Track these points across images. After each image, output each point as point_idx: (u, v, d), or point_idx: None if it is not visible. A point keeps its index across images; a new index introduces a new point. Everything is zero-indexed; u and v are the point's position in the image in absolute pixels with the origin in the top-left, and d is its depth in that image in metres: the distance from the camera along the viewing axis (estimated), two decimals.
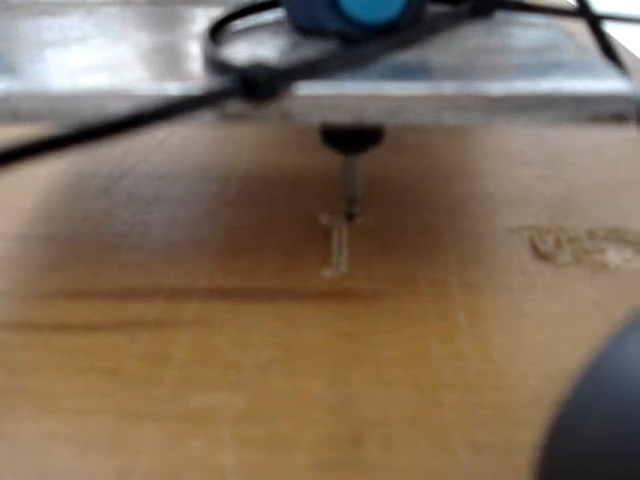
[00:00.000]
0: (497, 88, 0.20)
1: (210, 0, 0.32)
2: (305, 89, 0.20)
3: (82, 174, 0.32)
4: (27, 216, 0.29)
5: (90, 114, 0.20)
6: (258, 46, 0.25)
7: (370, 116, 0.20)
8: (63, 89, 0.21)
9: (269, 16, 0.28)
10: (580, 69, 0.22)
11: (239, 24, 0.27)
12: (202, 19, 0.29)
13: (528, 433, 0.18)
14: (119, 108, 0.20)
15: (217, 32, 0.25)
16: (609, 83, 0.20)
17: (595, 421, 0.12)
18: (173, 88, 0.20)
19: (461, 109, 0.20)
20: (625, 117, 0.20)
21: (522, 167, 0.33)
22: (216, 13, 0.30)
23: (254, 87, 0.18)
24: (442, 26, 0.24)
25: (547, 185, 0.31)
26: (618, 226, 0.28)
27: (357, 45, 0.21)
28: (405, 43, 0.22)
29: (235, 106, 0.19)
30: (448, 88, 0.20)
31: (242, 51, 0.24)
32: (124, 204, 0.30)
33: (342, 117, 0.20)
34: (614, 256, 0.26)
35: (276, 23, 0.27)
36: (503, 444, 0.18)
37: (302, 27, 0.26)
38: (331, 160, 0.28)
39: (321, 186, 0.31)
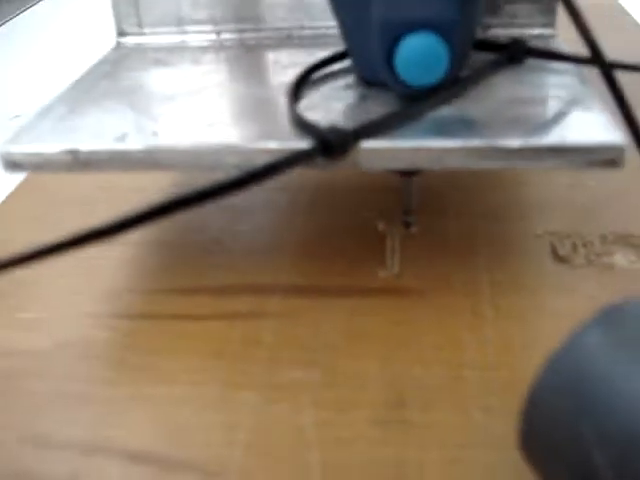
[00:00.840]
0: (514, 142, 0.26)
1: (289, 40, 0.38)
2: (369, 144, 0.26)
3: (181, 189, 0.39)
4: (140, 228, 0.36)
5: (210, 165, 0.27)
6: (331, 101, 0.31)
7: (419, 164, 0.27)
8: (190, 144, 0.27)
9: (341, 65, 0.34)
10: (583, 120, 0.27)
11: (316, 75, 0.33)
12: (286, 68, 0.34)
13: None
14: (232, 161, 0.27)
15: (299, 88, 0.31)
16: (603, 135, 0.26)
17: (556, 395, 0.18)
18: (272, 145, 0.27)
19: (486, 158, 0.26)
20: (616, 163, 0.26)
21: (552, 175, 0.38)
22: (297, 58, 0.36)
23: (331, 148, 0.25)
24: (479, 79, 0.30)
25: (572, 193, 0.37)
26: (626, 232, 0.33)
27: (408, 105, 0.27)
28: (447, 100, 0.28)
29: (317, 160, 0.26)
30: (476, 142, 0.26)
31: (319, 104, 0.30)
32: (217, 214, 0.36)
33: (398, 165, 0.27)
34: (621, 258, 0.31)
35: (347, 72, 0.33)
36: (510, 409, 0.24)
37: (367, 80, 0.32)
38: (388, 176, 0.33)
39: (379, 197, 0.37)
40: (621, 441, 0.16)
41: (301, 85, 0.31)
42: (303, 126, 0.27)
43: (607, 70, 0.29)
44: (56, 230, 0.36)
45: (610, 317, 0.19)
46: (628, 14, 0.65)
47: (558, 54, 0.32)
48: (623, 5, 0.68)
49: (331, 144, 0.25)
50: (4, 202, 0.40)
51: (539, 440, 0.19)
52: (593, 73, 0.29)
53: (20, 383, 0.27)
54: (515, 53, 0.32)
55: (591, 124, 0.27)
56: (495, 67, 0.31)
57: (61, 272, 0.33)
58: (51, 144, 0.28)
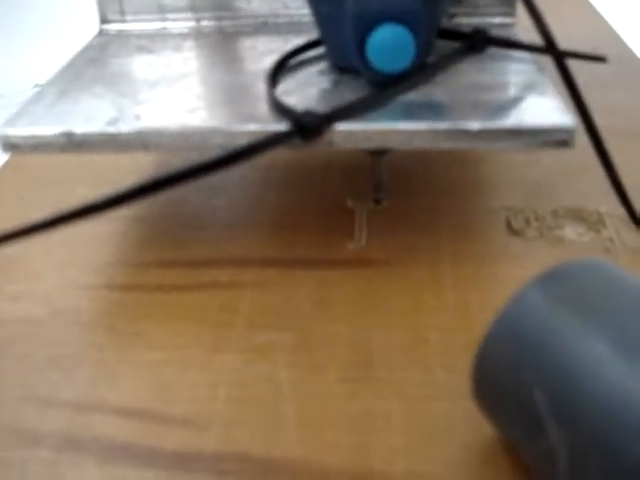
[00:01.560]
0: (475, 124, 0.28)
1: (266, 28, 0.40)
2: (343, 126, 0.29)
3: (159, 167, 0.41)
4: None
5: (196, 145, 0.29)
6: (306, 86, 0.33)
7: (388, 144, 0.29)
8: (177, 127, 0.29)
9: (316, 52, 0.36)
10: (537, 105, 0.30)
11: (292, 61, 0.35)
12: (263, 54, 0.36)
13: None
14: (215, 142, 0.29)
15: (276, 75, 0.33)
16: (555, 118, 0.29)
17: (502, 346, 0.21)
18: (253, 127, 0.29)
19: (451, 139, 0.29)
20: (567, 143, 0.28)
21: (510, 154, 0.41)
22: (273, 45, 0.38)
23: (306, 130, 0.27)
24: (444, 66, 0.32)
25: (527, 171, 0.39)
26: (576, 206, 0.36)
27: (378, 90, 0.30)
28: (414, 86, 0.31)
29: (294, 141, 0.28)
30: (441, 125, 0.29)
31: (294, 89, 0.32)
32: (194, 191, 0.38)
33: (369, 145, 0.29)
34: (570, 231, 0.34)
35: (320, 59, 0.35)
36: (468, 366, 0.26)
37: (340, 67, 0.34)
38: (356, 156, 0.36)
39: (348, 176, 0.39)
40: (556, 379, 0.19)
41: (278, 71, 0.33)
42: (281, 110, 0.29)
43: (559, 58, 0.31)
44: (39, 208, 0.38)
45: (551, 276, 0.21)
46: (590, 4, 0.68)
47: (515, 43, 0.35)
48: None
49: (306, 126, 0.27)
50: None
51: (488, 387, 0.21)
52: (549, 61, 0.31)
53: (17, 348, 0.29)
54: (476, 42, 0.34)
55: (545, 108, 0.30)
56: (458, 55, 0.34)
57: (48, 247, 0.35)
58: (47, 127, 0.30)
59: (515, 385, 0.20)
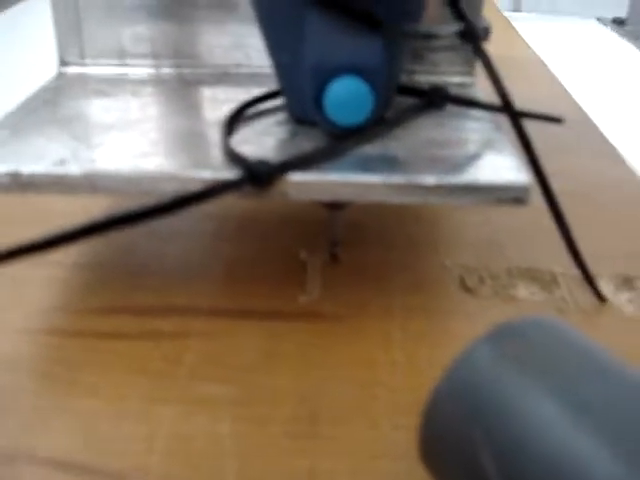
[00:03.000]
0: (431, 180, 0.28)
1: (226, 77, 0.40)
2: (297, 177, 0.28)
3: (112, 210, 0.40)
4: (69, 246, 0.37)
5: (147, 190, 0.28)
6: (263, 136, 0.32)
7: (342, 197, 0.29)
8: (129, 172, 0.29)
9: (274, 103, 0.36)
10: (493, 162, 0.30)
11: (250, 111, 0.35)
12: (222, 103, 0.36)
13: None
14: (167, 188, 0.28)
15: (232, 123, 0.33)
16: (510, 176, 0.28)
17: (450, 403, 0.20)
18: (206, 174, 0.28)
19: (405, 194, 0.28)
20: (522, 201, 0.28)
21: (461, 213, 0.41)
22: (233, 95, 0.37)
23: (258, 179, 0.26)
24: (401, 121, 0.32)
25: (481, 229, 0.39)
26: (530, 266, 0.36)
27: (332, 142, 0.29)
28: (371, 139, 0.30)
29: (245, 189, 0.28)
30: (396, 179, 0.28)
31: (251, 139, 0.32)
32: (144, 238, 0.38)
33: (323, 197, 0.29)
34: (523, 290, 0.34)
35: (279, 110, 0.35)
36: (415, 426, 0.26)
37: (298, 118, 0.33)
38: (311, 208, 0.35)
39: (302, 227, 0.39)
40: (504, 440, 0.18)
41: (235, 120, 0.33)
42: (234, 158, 0.29)
43: (515, 118, 0.31)
44: None
45: (500, 333, 0.21)
46: (545, 65, 0.69)
47: (473, 101, 0.35)
48: (540, 57, 0.72)
49: (258, 175, 0.27)
50: None
51: (435, 447, 0.21)
52: (507, 120, 0.31)
53: None
54: (435, 99, 0.34)
55: (501, 166, 0.30)
56: (417, 111, 0.34)
57: None
58: None
59: (462, 445, 0.19)
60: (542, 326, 0.21)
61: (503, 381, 0.19)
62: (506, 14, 1.01)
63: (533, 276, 0.35)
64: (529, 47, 0.77)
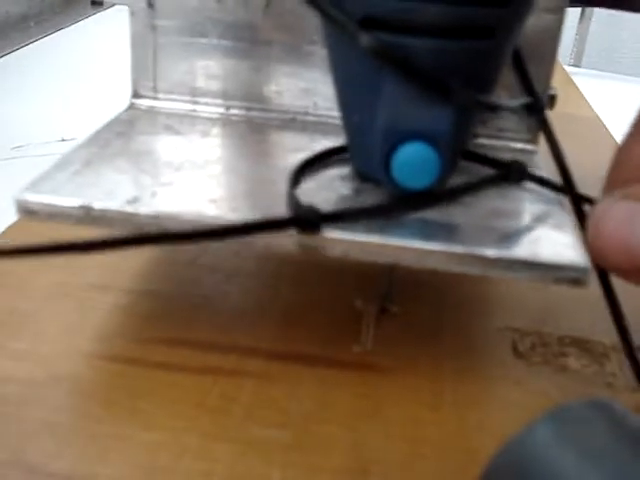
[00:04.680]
0: (491, 252, 0.29)
1: (293, 123, 0.41)
2: (357, 237, 0.29)
3: (176, 246, 0.42)
4: (136, 274, 0.38)
5: None
6: (327, 190, 0.33)
7: (400, 261, 0.29)
8: (195, 217, 0.30)
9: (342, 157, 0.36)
10: (554, 239, 0.30)
11: (318, 165, 0.36)
12: (289, 151, 0.37)
13: None
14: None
15: (298, 176, 0.34)
16: (571, 255, 0.29)
17: (503, 476, 0.21)
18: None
19: (464, 264, 0.29)
20: (580, 282, 0.29)
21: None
22: (300, 142, 0.39)
23: (302, 222, 0.28)
24: (473, 191, 0.33)
25: (537, 293, 0.40)
26: (582, 336, 0.36)
27: (393, 202, 0.30)
28: (435, 204, 0.31)
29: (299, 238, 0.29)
30: (456, 248, 0.29)
31: (315, 192, 0.33)
32: (209, 274, 0.39)
33: (381, 259, 0.29)
34: (574, 361, 0.34)
35: (344, 163, 0.36)
36: None
37: (363, 174, 0.34)
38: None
39: (361, 276, 0.40)
40: None
41: (300, 173, 0.34)
42: (290, 202, 0.30)
43: (576, 201, 0.32)
44: (46, 269, 0.38)
45: (560, 413, 0.22)
46: (604, 126, 0.70)
47: (549, 182, 0.35)
48: (599, 116, 0.73)
49: (303, 218, 0.28)
50: (4, 233, 0.42)
51: None
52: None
53: (10, 409, 0.29)
54: (513, 174, 0.35)
55: (562, 244, 0.30)
56: (489, 183, 0.34)
57: (59, 310, 0.35)
58: (66, 197, 0.30)
59: None
60: (601, 408, 0.22)
61: (561, 462, 0.20)
62: (566, 68, 1.01)
63: (584, 347, 0.35)
64: (589, 105, 0.78)
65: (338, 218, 0.29)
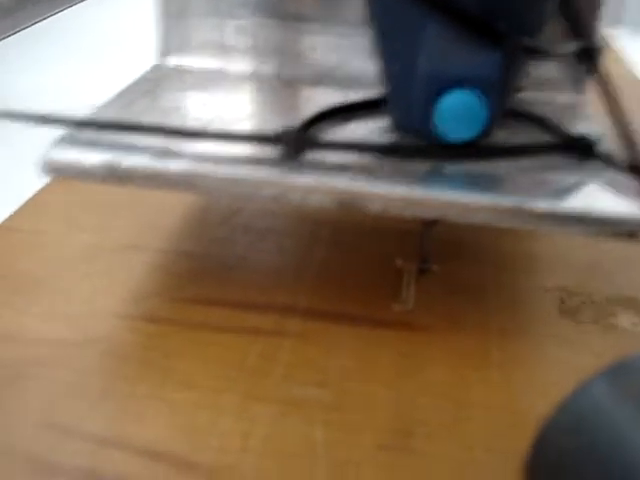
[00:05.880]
0: (542, 205, 0.27)
1: (325, 79, 0.40)
2: (398, 192, 0.28)
3: (207, 204, 0.41)
4: (168, 234, 0.37)
5: (243, 195, 0.29)
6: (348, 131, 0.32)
7: (445, 216, 0.28)
8: (227, 174, 0.29)
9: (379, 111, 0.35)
10: (609, 192, 0.28)
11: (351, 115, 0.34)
12: (320, 105, 0.35)
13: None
14: (265, 193, 0.28)
15: (318, 119, 0.32)
16: (627, 208, 0.27)
17: (563, 436, 0.19)
18: (303, 180, 0.28)
19: (513, 218, 0.27)
20: (637, 235, 0.27)
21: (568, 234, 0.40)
22: (331, 96, 0.37)
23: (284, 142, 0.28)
24: (525, 154, 0.31)
25: (584, 252, 0.38)
26: (633, 295, 0.35)
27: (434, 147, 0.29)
28: (482, 159, 0.29)
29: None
30: (505, 202, 0.27)
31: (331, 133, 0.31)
32: (242, 233, 0.38)
33: (426, 215, 0.28)
34: (625, 320, 0.33)
35: (383, 118, 0.34)
36: (509, 451, 0.25)
37: (402, 127, 0.33)
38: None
39: (399, 237, 0.38)
40: (621, 478, 0.18)
41: (322, 118, 0.32)
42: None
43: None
44: (82, 231, 0.37)
45: (617, 370, 0.20)
46: None
47: (612, 160, 0.32)
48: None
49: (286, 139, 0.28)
50: (34, 198, 0.41)
51: (543, 476, 0.20)
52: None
53: (42, 371, 0.28)
54: (581, 150, 0.32)
55: (617, 197, 0.28)
56: (550, 151, 0.32)
57: (89, 272, 0.34)
58: (91, 154, 0.29)
59: (575, 479, 0.19)
60: None
61: (622, 418, 0.19)
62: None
63: (634, 306, 0.34)
64: (628, 65, 0.75)
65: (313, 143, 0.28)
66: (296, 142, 0.29)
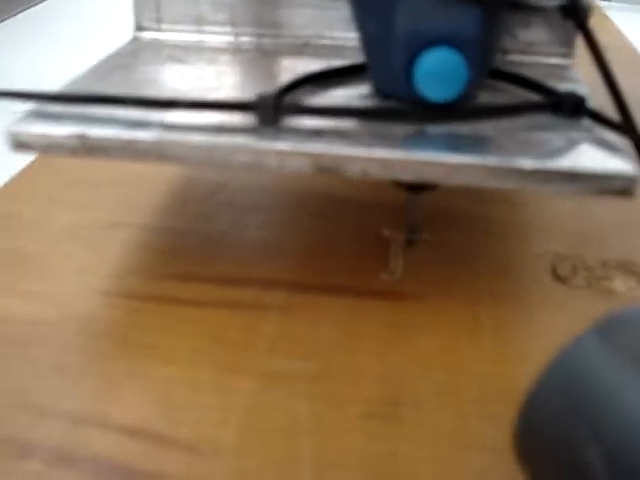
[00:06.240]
0: (528, 163, 0.26)
1: (306, 48, 0.38)
2: (379, 154, 0.26)
3: (191, 180, 0.40)
4: (151, 211, 0.36)
5: (217, 162, 0.27)
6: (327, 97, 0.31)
7: (429, 178, 0.27)
8: (200, 142, 0.27)
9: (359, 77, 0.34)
10: (597, 149, 0.27)
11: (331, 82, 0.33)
12: (300, 75, 0.34)
13: None
14: (240, 160, 0.27)
15: (297, 84, 0.31)
16: (616, 164, 0.26)
17: (553, 396, 0.19)
18: (280, 147, 0.27)
19: (498, 177, 0.26)
20: (627, 192, 0.26)
21: (558, 199, 0.39)
22: (312, 66, 0.35)
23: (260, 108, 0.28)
24: (513, 114, 0.30)
25: (577, 218, 0.37)
26: (628, 259, 0.34)
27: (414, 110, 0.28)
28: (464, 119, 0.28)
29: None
30: (489, 161, 0.26)
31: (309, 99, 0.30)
32: (225, 208, 0.37)
33: (407, 176, 0.27)
34: (620, 284, 0.32)
35: (362, 83, 0.33)
36: (502, 417, 0.24)
37: (383, 92, 0.32)
38: (394, 190, 0.34)
39: (386, 207, 0.37)
40: (614, 437, 0.17)
41: (301, 83, 0.31)
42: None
43: (638, 141, 0.28)
44: (67, 209, 0.36)
45: (608, 324, 0.19)
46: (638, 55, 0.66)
47: (596, 113, 0.31)
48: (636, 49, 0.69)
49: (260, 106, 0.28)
50: (15, 179, 0.40)
51: (533, 439, 0.19)
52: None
53: (20, 350, 0.27)
54: (569, 108, 0.30)
55: (605, 153, 0.27)
56: (535, 110, 0.31)
57: (70, 250, 0.33)
58: (60, 127, 0.28)
59: (565, 441, 0.18)
60: None
61: (614, 374, 0.18)
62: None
63: (630, 269, 0.33)
64: (624, 37, 0.74)
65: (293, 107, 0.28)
66: (273, 108, 0.28)
